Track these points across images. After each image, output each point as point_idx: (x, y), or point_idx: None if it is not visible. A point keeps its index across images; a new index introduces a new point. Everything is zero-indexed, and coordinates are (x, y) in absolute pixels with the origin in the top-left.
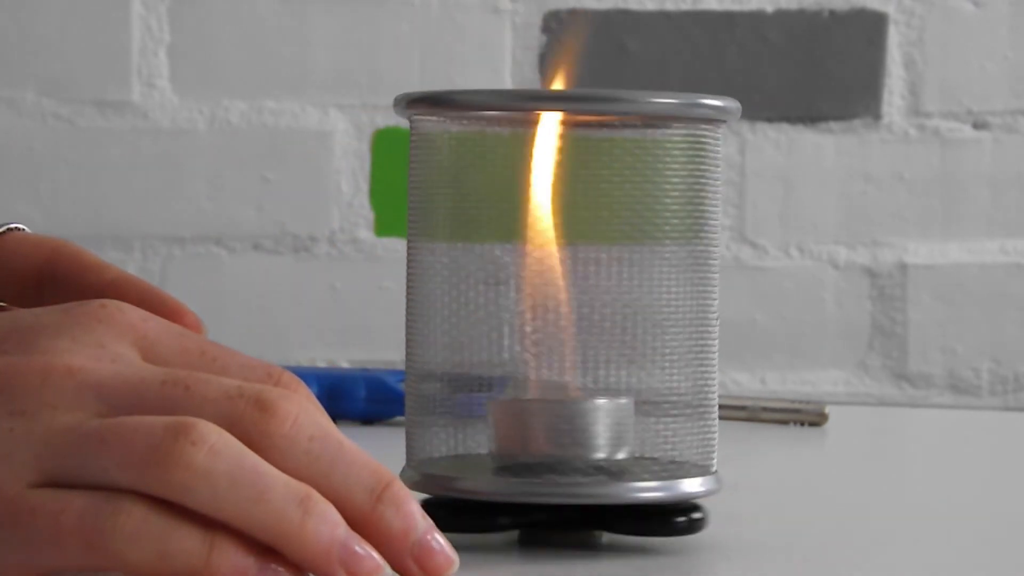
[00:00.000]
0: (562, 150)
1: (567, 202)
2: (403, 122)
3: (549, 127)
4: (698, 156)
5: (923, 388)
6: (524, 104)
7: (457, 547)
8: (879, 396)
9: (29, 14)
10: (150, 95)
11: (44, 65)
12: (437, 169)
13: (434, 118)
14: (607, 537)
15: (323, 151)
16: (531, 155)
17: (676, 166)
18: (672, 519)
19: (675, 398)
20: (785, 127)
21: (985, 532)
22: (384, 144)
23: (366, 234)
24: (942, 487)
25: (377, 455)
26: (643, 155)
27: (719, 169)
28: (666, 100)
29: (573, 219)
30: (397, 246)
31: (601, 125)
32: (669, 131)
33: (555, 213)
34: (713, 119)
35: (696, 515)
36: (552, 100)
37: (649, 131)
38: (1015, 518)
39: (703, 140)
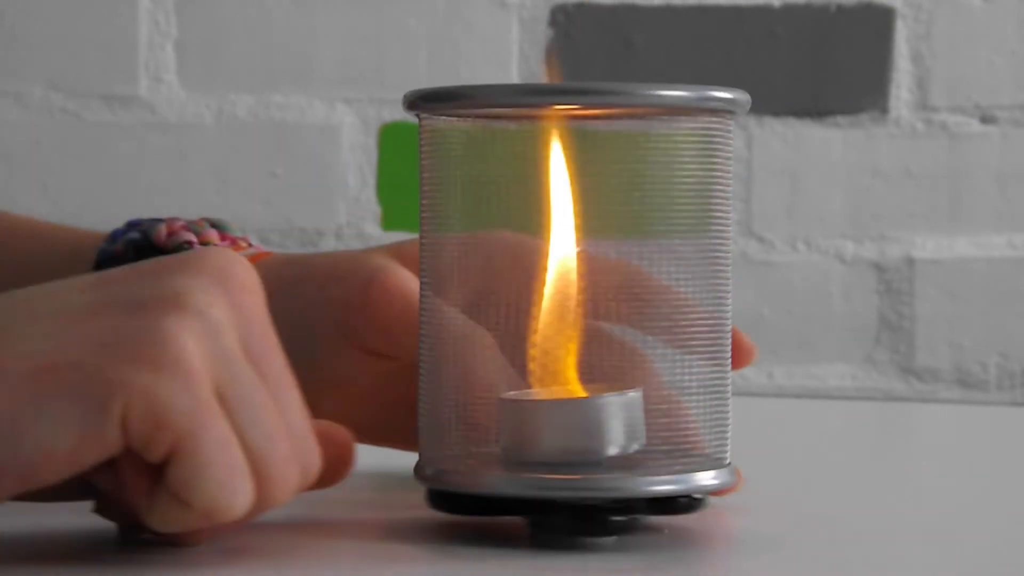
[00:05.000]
0: (572, 144)
1: (577, 197)
2: (410, 116)
3: (559, 121)
4: (708, 149)
5: (930, 383)
6: (534, 99)
7: (468, 543)
8: (886, 391)
9: (37, 8)
10: (157, 89)
11: (52, 59)
12: (447, 164)
13: (443, 115)
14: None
15: (330, 145)
16: (541, 150)
17: (686, 159)
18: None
19: (688, 392)
20: (792, 121)
21: (993, 527)
22: (391, 138)
23: (373, 228)
24: (949, 482)
25: (389, 454)
26: (653, 148)
27: (730, 162)
28: (676, 93)
29: (583, 214)
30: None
31: (611, 119)
32: (679, 124)
33: (566, 208)
34: (723, 111)
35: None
36: (561, 94)
37: (659, 124)
38: (1023, 512)
39: (713, 133)
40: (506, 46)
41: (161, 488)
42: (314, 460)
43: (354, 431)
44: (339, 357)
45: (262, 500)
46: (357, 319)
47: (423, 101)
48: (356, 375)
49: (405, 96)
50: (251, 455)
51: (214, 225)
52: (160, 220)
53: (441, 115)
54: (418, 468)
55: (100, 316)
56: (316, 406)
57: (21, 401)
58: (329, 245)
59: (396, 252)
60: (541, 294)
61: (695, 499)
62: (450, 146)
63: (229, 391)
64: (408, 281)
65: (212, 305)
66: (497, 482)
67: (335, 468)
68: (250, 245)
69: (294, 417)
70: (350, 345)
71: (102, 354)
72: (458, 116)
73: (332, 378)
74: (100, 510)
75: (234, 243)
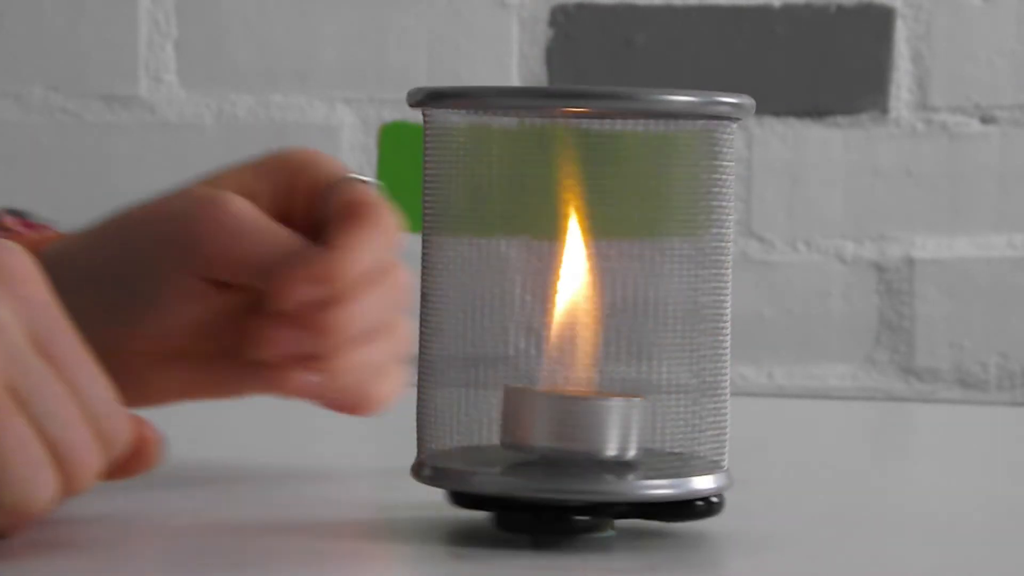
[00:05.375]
0: (576, 146)
1: (581, 198)
2: (410, 116)
3: (565, 123)
4: (711, 152)
5: (930, 383)
6: (542, 102)
7: (468, 543)
8: (886, 391)
9: (37, 9)
10: (157, 89)
11: (52, 60)
12: (452, 164)
13: (451, 113)
14: (617, 527)
15: (330, 145)
16: (546, 151)
17: (689, 162)
18: (691, 504)
19: (687, 393)
20: (792, 121)
21: (993, 527)
22: (391, 138)
23: None
24: (949, 482)
25: (389, 449)
26: (657, 151)
27: (731, 165)
28: (682, 98)
29: (588, 215)
30: (403, 240)
31: (613, 119)
32: (683, 127)
33: (570, 209)
34: (727, 116)
35: (714, 499)
36: (569, 98)
37: (663, 127)
38: (1023, 512)
39: (716, 136)
40: (506, 46)
41: None
42: (121, 432)
43: (201, 373)
44: (182, 293)
45: (68, 488)
46: (204, 249)
47: (429, 99)
48: (198, 310)
49: (411, 92)
50: (51, 446)
51: (17, 213)
52: None
53: (445, 109)
54: (415, 466)
55: None
56: (160, 347)
57: None
58: None
59: (215, 183)
60: (554, 293)
61: (712, 503)
62: (455, 145)
63: (21, 387)
64: (247, 208)
65: None
66: (492, 482)
67: (139, 458)
68: (58, 233)
69: (95, 395)
70: (195, 278)
71: None
72: (465, 115)
73: (176, 315)
74: None
75: (34, 228)
